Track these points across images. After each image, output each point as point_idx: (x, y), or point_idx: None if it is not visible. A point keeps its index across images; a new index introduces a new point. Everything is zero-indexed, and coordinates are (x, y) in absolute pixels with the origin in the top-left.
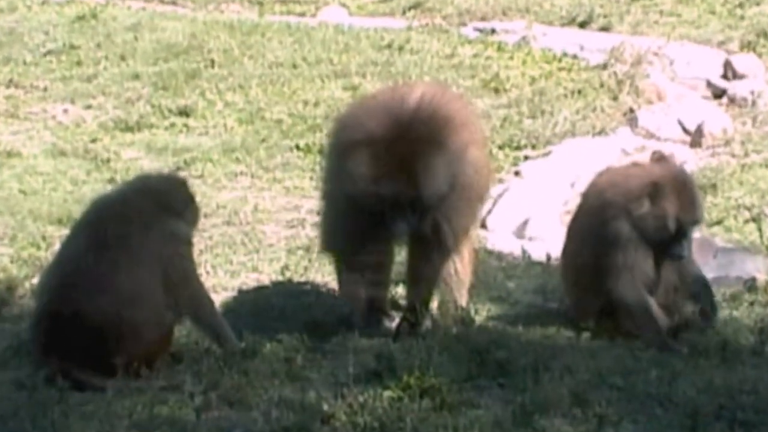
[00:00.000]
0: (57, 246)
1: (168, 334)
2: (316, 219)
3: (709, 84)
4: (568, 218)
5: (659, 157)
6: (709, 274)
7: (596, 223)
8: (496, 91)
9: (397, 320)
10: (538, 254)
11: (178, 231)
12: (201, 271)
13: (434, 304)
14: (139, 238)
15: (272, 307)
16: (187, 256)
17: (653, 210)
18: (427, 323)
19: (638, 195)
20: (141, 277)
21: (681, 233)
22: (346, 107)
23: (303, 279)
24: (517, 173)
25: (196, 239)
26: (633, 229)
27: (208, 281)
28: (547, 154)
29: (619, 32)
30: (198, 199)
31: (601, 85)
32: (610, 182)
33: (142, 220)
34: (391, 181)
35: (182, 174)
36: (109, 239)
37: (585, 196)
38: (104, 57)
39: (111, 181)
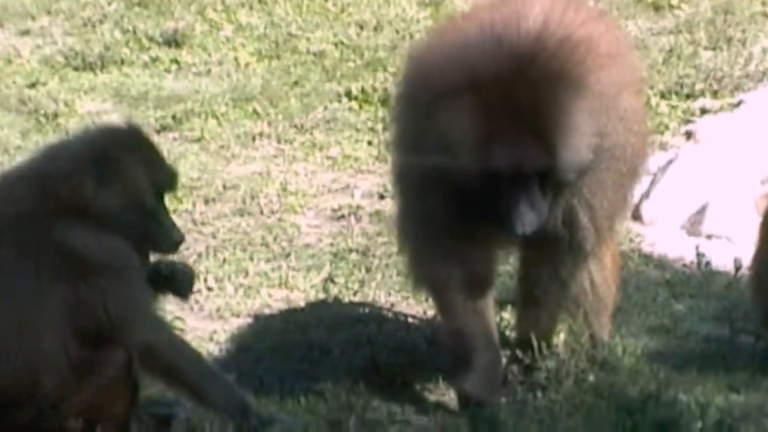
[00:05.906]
0: None
1: (115, 377)
2: (377, 206)
3: None
4: (766, 205)
5: None
6: None
7: None
8: (657, 8)
9: (503, 362)
10: (721, 261)
11: (90, 248)
12: (200, 286)
13: (560, 337)
14: (14, 258)
15: (310, 344)
16: (116, 291)
17: None
18: (549, 365)
19: None
20: (16, 311)
21: None
22: (427, 35)
23: (357, 298)
24: (689, 135)
25: (192, 237)
26: None
27: (210, 302)
28: (736, 106)
29: None
30: (193, 174)
31: None
32: None
33: (24, 227)
34: (510, 144)
35: (168, 137)
36: None
37: None
38: None
39: None
